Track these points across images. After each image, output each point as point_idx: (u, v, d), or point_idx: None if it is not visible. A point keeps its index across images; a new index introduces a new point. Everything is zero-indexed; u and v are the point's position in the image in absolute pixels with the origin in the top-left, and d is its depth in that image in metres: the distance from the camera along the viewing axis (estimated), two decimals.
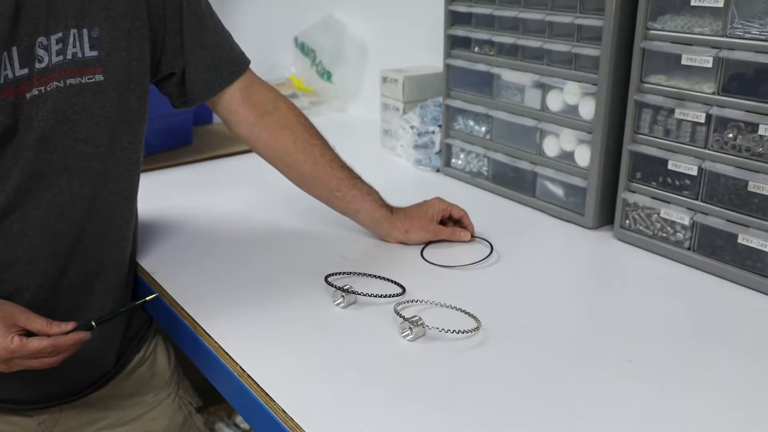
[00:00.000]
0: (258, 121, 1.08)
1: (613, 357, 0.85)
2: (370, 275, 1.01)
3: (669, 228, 1.10)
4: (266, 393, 0.78)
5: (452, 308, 0.94)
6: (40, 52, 0.85)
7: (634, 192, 1.13)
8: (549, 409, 0.76)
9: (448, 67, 1.40)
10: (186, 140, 1.63)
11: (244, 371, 0.81)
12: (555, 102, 1.23)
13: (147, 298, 0.89)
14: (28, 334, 0.83)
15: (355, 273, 1.02)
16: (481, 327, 0.90)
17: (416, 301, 0.95)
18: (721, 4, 0.97)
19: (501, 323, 0.92)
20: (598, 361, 0.85)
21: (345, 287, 0.95)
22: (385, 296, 0.95)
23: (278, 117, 1.09)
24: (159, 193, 1.35)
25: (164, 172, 1.49)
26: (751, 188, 0.98)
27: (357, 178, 1.12)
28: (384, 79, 1.62)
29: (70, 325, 0.84)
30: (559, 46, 1.19)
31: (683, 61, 1.02)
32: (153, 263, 1.08)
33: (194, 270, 1.06)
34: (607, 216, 1.20)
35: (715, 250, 1.04)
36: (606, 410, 0.76)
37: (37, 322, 0.83)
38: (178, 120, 1.58)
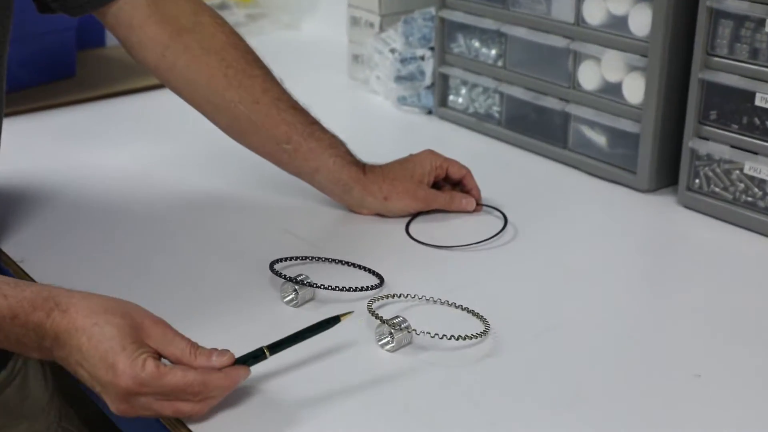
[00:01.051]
0: (172, 43, 1.08)
1: (676, 371, 0.86)
2: (333, 261, 1.01)
3: (756, 189, 1.10)
4: (189, 430, 0.78)
5: (449, 305, 0.94)
6: None
7: (706, 139, 1.14)
8: None
9: None
10: (66, 71, 1.61)
11: None
12: (595, 12, 1.22)
13: (342, 317, 0.84)
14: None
15: (312, 258, 1.02)
16: (490, 331, 0.90)
17: (399, 297, 0.95)
18: None
19: (518, 325, 0.92)
20: (654, 377, 0.85)
21: (299, 278, 0.95)
22: (355, 290, 0.95)
23: (201, 36, 1.09)
24: (28, 147, 1.34)
25: (35, 116, 1.48)
26: None
27: (314, 123, 1.12)
28: None
29: (227, 357, 0.78)
30: None
31: None
32: (18, 247, 1.07)
33: (80, 256, 1.06)
34: (668, 174, 1.21)
35: None
36: None
37: (177, 344, 0.78)
38: (55, 41, 1.56)
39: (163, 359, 0.78)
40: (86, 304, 0.78)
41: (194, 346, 0.79)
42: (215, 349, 0.79)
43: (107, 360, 0.75)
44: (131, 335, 0.77)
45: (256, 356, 0.81)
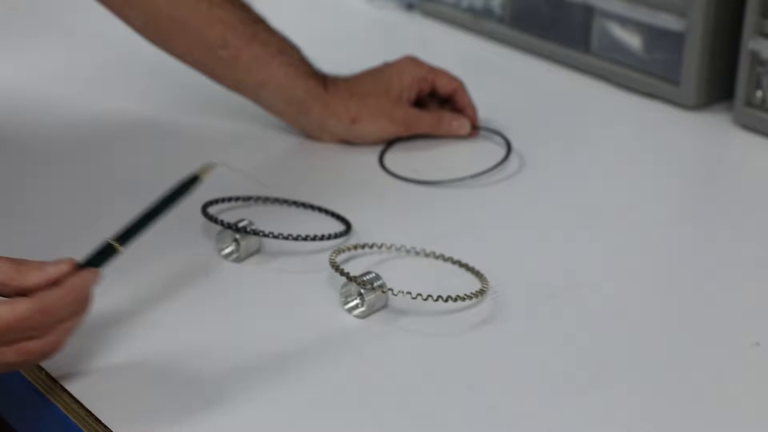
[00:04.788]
0: None
1: (729, 338, 0.86)
2: (285, 202, 1.02)
3: None
4: (102, 425, 0.76)
5: (436, 258, 0.95)
6: None
7: None
8: None
9: None
10: None
11: (56, 383, 0.80)
12: None
13: (201, 173, 0.83)
14: None
15: (257, 198, 1.03)
16: (489, 290, 0.91)
17: (371, 247, 0.96)
18: None
19: (525, 284, 0.92)
20: (701, 347, 0.85)
21: (240, 224, 0.95)
22: (314, 238, 0.95)
23: None
24: None
25: None
26: None
27: (259, 22, 1.12)
28: None
29: (65, 264, 0.76)
30: None
31: None
32: None
33: None
34: (721, 85, 1.22)
35: None
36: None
37: (31, 275, 0.74)
38: None
39: None
40: None
41: (17, 261, 0.76)
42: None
43: None
44: None
45: (103, 252, 0.79)
